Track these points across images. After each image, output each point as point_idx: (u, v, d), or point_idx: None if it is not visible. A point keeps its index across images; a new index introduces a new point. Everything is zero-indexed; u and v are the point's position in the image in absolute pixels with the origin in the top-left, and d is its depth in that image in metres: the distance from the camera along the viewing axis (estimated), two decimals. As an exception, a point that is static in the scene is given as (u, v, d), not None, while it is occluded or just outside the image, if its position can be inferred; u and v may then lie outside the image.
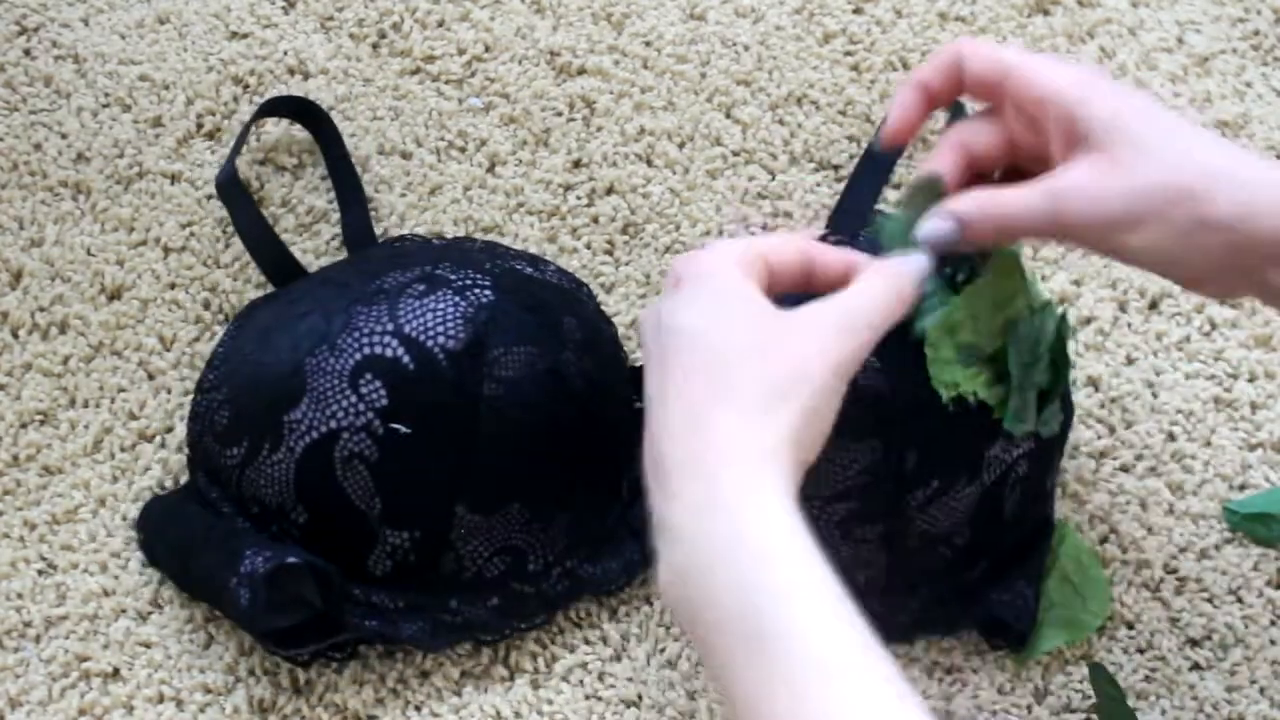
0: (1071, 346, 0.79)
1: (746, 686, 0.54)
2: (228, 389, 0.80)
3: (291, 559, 0.73)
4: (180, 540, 0.79)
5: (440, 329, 0.75)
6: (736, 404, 0.59)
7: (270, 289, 0.87)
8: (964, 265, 0.70)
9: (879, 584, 0.78)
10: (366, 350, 0.75)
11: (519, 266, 0.83)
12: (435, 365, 0.74)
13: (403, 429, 0.74)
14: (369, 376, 0.74)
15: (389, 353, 0.75)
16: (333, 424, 0.74)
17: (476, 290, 0.77)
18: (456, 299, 0.76)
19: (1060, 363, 0.74)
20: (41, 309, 0.87)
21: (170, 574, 0.80)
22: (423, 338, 0.75)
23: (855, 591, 0.71)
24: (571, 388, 0.77)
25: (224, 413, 0.79)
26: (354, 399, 0.74)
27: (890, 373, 0.73)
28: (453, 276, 0.78)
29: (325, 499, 0.75)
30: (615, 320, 0.88)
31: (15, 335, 0.87)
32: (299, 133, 0.93)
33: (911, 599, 0.80)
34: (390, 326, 0.75)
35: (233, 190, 0.88)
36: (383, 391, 0.74)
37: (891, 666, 0.54)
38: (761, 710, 0.53)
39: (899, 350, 0.69)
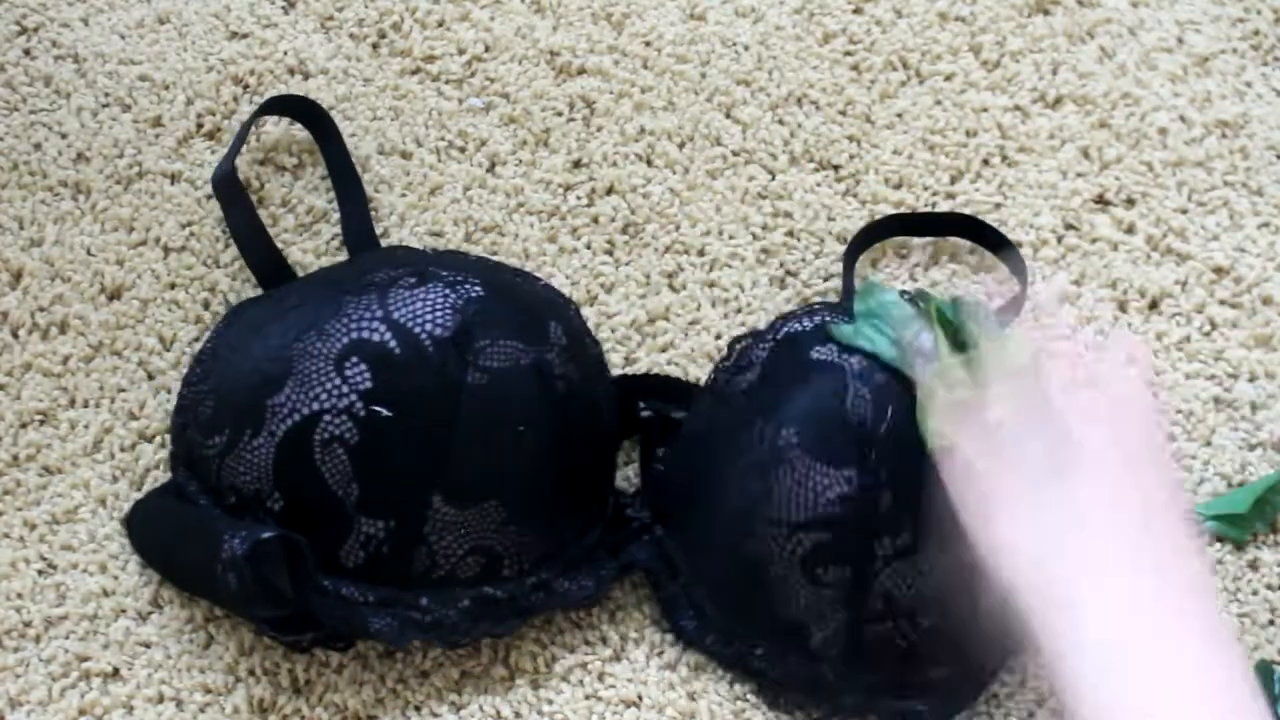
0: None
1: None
2: (213, 380, 0.80)
3: (266, 533, 0.72)
4: (162, 537, 0.79)
5: (429, 317, 0.76)
6: None
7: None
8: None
9: (835, 648, 0.76)
10: (354, 334, 0.75)
11: (508, 275, 0.84)
12: (422, 351, 0.75)
13: (384, 412, 0.74)
14: (354, 360, 0.75)
15: (376, 337, 0.75)
16: (315, 406, 0.74)
17: (467, 286, 0.78)
18: (447, 291, 0.77)
19: None
20: (41, 309, 0.87)
21: (162, 572, 0.80)
22: (411, 324, 0.75)
23: (807, 654, 0.76)
24: (554, 388, 0.77)
25: (208, 403, 0.79)
26: (338, 381, 0.74)
27: (880, 406, 0.74)
28: (444, 273, 0.78)
29: (302, 484, 0.75)
30: (615, 319, 0.88)
31: (15, 335, 0.87)
32: (299, 133, 0.93)
33: (863, 675, 0.77)
34: (380, 313, 0.76)
35: (230, 189, 0.88)
36: (367, 374, 0.74)
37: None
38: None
39: (891, 387, 0.72)
